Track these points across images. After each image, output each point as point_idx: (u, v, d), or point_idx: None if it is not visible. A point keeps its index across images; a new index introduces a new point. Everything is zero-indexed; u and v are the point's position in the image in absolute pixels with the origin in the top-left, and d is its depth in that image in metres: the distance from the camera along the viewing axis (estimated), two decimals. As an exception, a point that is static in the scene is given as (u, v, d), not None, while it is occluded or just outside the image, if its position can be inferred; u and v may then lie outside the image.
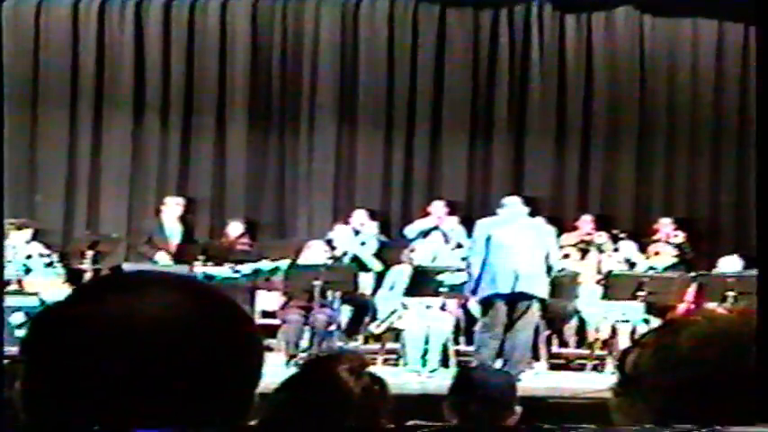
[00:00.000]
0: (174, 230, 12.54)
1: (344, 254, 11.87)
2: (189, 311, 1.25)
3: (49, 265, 11.22)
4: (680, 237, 12.40)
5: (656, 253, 11.80)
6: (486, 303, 9.68)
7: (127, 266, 11.66)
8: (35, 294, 10.54)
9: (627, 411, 1.53)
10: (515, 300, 9.53)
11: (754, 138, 10.32)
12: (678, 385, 1.47)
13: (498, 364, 9.43)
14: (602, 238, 12.14)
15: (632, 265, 11.68)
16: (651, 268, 11.41)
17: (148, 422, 1.21)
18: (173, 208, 12.66)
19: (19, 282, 10.82)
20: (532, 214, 10.66)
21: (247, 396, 1.28)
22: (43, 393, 1.24)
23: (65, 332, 1.24)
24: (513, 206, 9.98)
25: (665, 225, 12.56)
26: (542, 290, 9.65)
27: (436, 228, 12.22)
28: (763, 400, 1.42)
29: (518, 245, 9.49)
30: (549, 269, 9.79)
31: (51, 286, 10.82)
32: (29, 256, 11.13)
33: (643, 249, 12.02)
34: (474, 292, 9.77)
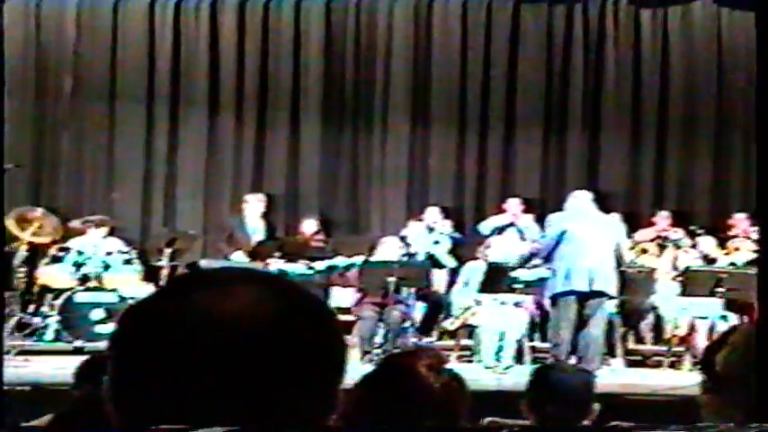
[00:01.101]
0: (256, 228, 12.63)
1: (417, 252, 11.87)
2: (273, 307, 1.26)
3: (128, 261, 11.35)
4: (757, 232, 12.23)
5: (736, 249, 11.64)
6: (559, 299, 9.64)
7: (204, 263, 11.78)
8: (114, 291, 10.68)
9: (716, 409, 1.52)
10: (588, 297, 9.49)
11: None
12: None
13: (573, 360, 9.38)
14: (678, 234, 12.01)
15: (711, 260, 11.54)
16: (731, 264, 11.26)
17: (234, 417, 1.22)
18: (255, 205, 12.74)
19: (98, 278, 10.96)
20: (607, 210, 10.58)
21: (333, 391, 1.29)
22: (131, 388, 1.26)
23: (152, 328, 1.26)
24: (581, 201, 9.93)
25: (741, 220, 12.40)
26: (614, 287, 9.60)
27: (512, 224, 12.17)
28: (764, 400, 1.41)
29: (590, 241, 9.44)
30: (620, 264, 9.73)
31: (130, 283, 10.95)
32: (108, 253, 11.27)
33: (722, 245, 11.87)
34: (544, 286, 9.76)
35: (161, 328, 1.25)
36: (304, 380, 1.25)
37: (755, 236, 12.16)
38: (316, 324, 1.28)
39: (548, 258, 9.74)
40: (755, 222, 12.41)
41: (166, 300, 1.29)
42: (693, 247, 11.86)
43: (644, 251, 11.39)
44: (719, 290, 10.13)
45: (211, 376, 1.22)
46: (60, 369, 8.09)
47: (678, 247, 11.67)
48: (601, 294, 9.48)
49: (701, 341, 10.07)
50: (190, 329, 1.24)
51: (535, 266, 10.35)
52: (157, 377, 1.23)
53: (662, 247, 11.75)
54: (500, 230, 12.13)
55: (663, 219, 12.46)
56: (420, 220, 12.58)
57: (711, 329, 10.17)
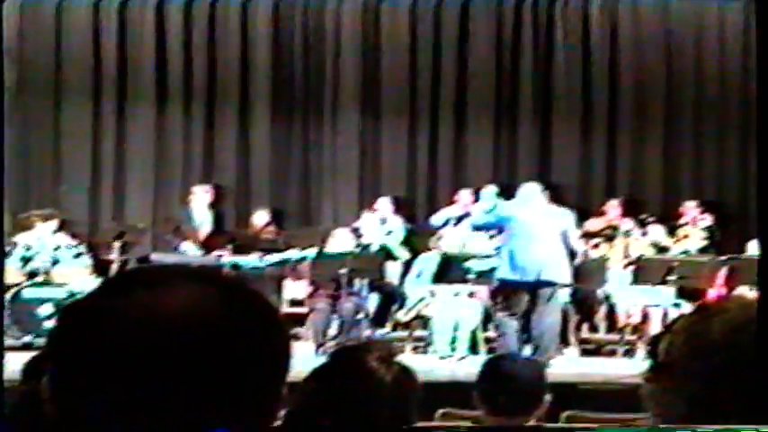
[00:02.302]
0: (204, 219, 12.58)
1: (370, 243, 11.87)
2: (214, 304, 1.24)
3: (77, 255, 11.26)
4: (707, 219, 12.34)
5: (685, 236, 11.75)
6: (507, 287, 9.66)
7: (155, 256, 11.71)
8: (63, 285, 10.60)
9: (659, 398, 1.52)
10: (537, 287, 9.52)
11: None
12: (710, 372, 1.46)
13: (528, 350, 9.42)
14: (628, 224, 12.06)
15: (662, 248, 11.64)
16: (681, 252, 11.35)
17: (175, 416, 1.20)
18: (202, 196, 12.70)
19: (47, 273, 10.86)
20: (559, 200, 10.63)
21: (276, 387, 1.27)
22: (69, 386, 1.23)
23: (91, 325, 1.24)
24: (530, 192, 9.96)
25: (691, 208, 12.51)
26: (565, 276, 9.64)
27: (466, 215, 12.20)
28: (764, 400, 1.41)
29: (539, 231, 9.47)
30: (572, 254, 9.78)
31: (79, 277, 10.86)
32: (57, 247, 11.17)
33: (672, 233, 11.97)
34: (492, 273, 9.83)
35: (101, 326, 1.23)
36: (247, 376, 1.23)
37: (705, 223, 12.27)
38: (259, 320, 1.27)
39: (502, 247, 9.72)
40: (706, 210, 12.52)
41: (107, 297, 1.27)
42: (644, 235, 11.94)
43: (596, 246, 11.46)
44: (671, 278, 10.22)
45: (153, 375, 1.20)
46: (8, 365, 7.99)
47: (628, 237, 11.73)
48: (550, 284, 9.51)
49: (654, 329, 10.14)
50: (130, 327, 1.21)
51: (488, 257, 10.37)
52: (97, 376, 1.21)
53: (611, 238, 11.81)
54: (454, 222, 12.15)
55: (613, 208, 12.52)
56: (373, 210, 12.58)
57: (664, 317, 10.25)
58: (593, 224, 12.04)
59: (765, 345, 1.43)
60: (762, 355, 1.42)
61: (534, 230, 9.48)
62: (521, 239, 9.48)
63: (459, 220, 12.16)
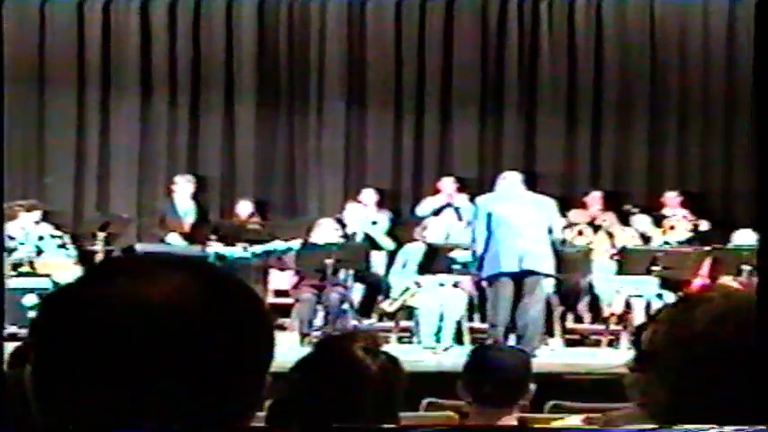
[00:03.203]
0: (187, 210, 12.55)
1: (355, 234, 11.87)
2: (198, 294, 1.24)
3: (62, 246, 11.23)
4: (685, 211, 12.36)
5: (671, 227, 11.76)
6: (493, 281, 9.67)
7: (140, 247, 11.69)
8: (47, 276, 10.56)
9: (642, 387, 1.52)
10: (522, 277, 9.52)
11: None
12: (693, 361, 1.46)
13: (512, 340, 9.43)
14: (609, 218, 12.04)
15: (647, 239, 11.66)
16: (666, 243, 11.38)
17: (159, 406, 1.20)
18: (184, 186, 12.66)
19: (31, 263, 10.83)
20: (544, 190, 10.62)
21: (259, 377, 1.27)
22: (52, 376, 1.23)
23: (73, 315, 1.23)
24: (511, 182, 9.94)
25: (672, 198, 12.54)
26: (548, 265, 9.64)
27: (449, 205, 12.20)
28: (764, 400, 1.41)
29: (520, 221, 9.46)
30: (554, 243, 9.78)
31: (63, 267, 10.83)
32: (41, 238, 11.14)
33: (658, 224, 11.98)
34: (479, 269, 9.77)
35: (83, 316, 1.22)
36: (231, 366, 1.23)
37: (686, 214, 12.30)
38: (242, 309, 1.27)
39: (486, 244, 9.70)
40: (686, 200, 12.56)
41: (89, 286, 1.26)
42: (628, 225, 11.96)
43: (580, 233, 11.47)
44: (655, 268, 10.25)
45: (135, 364, 1.20)
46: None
47: (609, 234, 11.69)
48: (533, 273, 9.51)
49: (637, 319, 10.17)
50: (113, 317, 1.21)
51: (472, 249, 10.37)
52: (79, 366, 1.20)
53: (596, 228, 11.83)
54: (437, 211, 12.16)
55: (595, 200, 12.52)
56: (358, 201, 12.58)
57: (648, 307, 10.27)
58: (575, 216, 12.05)
59: (765, 338, 1.43)
60: (761, 349, 1.43)
61: (515, 222, 9.46)
62: (502, 232, 9.47)
63: (442, 209, 12.17)
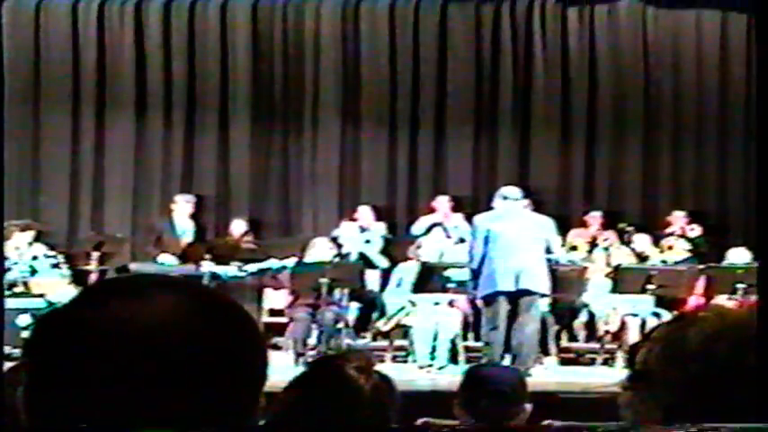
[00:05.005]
0: (185, 229, 12.53)
1: (349, 253, 11.86)
2: (190, 315, 1.24)
3: (56, 266, 11.21)
4: (696, 230, 12.33)
5: (670, 247, 11.74)
6: (489, 300, 9.65)
7: (134, 266, 11.67)
8: (42, 296, 10.54)
9: (636, 407, 1.52)
10: (518, 296, 9.50)
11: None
12: (687, 380, 1.46)
13: (507, 360, 9.41)
14: (609, 239, 12.00)
15: (644, 258, 11.64)
16: (664, 262, 11.36)
17: (151, 426, 1.20)
18: (183, 206, 12.63)
19: (25, 283, 10.81)
20: (538, 209, 10.62)
21: (252, 397, 1.27)
22: (45, 397, 1.23)
23: (67, 336, 1.23)
24: (509, 200, 9.92)
25: (679, 218, 12.51)
26: (544, 285, 9.61)
27: (439, 224, 12.19)
28: (764, 400, 1.41)
29: (517, 241, 9.44)
30: (552, 262, 9.77)
31: (58, 287, 10.80)
32: (35, 258, 11.12)
33: (656, 243, 11.95)
34: (475, 288, 9.76)
35: (76, 337, 1.22)
36: (224, 386, 1.23)
37: (694, 234, 12.28)
38: (235, 331, 1.26)
39: (482, 263, 9.68)
40: (693, 220, 12.55)
41: (82, 308, 1.26)
42: (627, 244, 11.93)
43: (573, 248, 11.47)
44: (650, 287, 10.24)
45: (127, 385, 1.19)
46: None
47: (608, 253, 11.67)
48: (529, 293, 9.49)
49: (632, 338, 10.15)
50: (106, 338, 1.21)
51: (463, 267, 10.35)
52: (72, 387, 1.20)
53: (594, 246, 11.83)
54: (429, 230, 12.14)
55: (595, 219, 12.53)
56: (352, 219, 12.57)
57: (643, 326, 10.26)
58: (575, 237, 12.06)
59: (765, 354, 1.43)
60: (761, 366, 1.42)
61: (512, 241, 9.45)
62: (499, 251, 9.45)
63: (434, 227, 12.14)
